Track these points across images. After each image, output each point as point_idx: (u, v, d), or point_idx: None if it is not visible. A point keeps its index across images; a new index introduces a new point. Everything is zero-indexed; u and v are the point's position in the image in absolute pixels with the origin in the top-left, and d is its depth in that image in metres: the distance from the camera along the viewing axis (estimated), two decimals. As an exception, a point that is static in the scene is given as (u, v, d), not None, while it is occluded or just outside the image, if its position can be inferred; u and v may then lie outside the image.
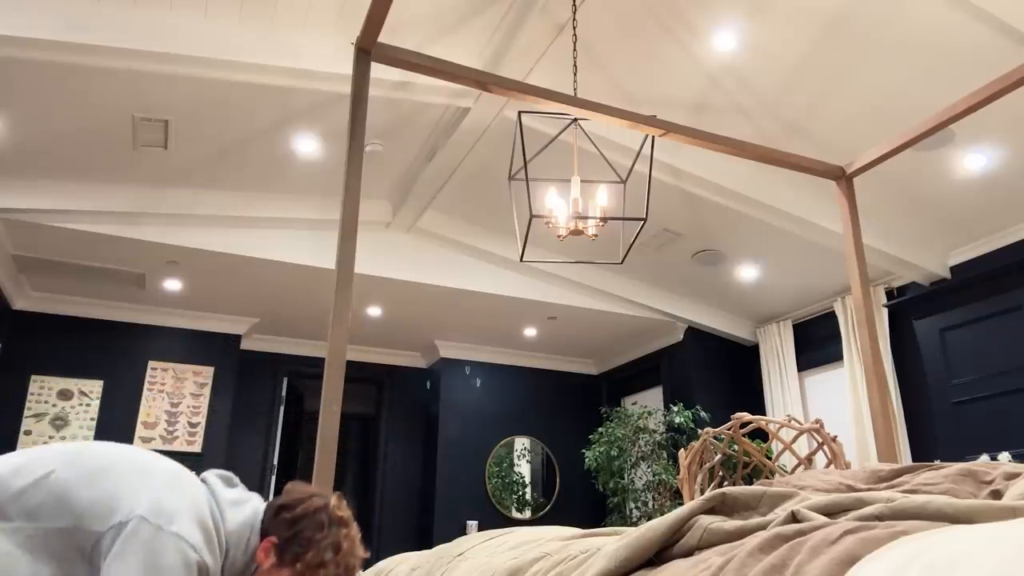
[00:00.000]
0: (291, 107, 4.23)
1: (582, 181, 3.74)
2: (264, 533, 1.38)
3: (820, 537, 0.69)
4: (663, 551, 0.89)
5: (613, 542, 0.93)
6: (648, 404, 6.94)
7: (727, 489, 0.97)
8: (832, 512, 0.81)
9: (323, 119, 4.36)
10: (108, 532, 1.23)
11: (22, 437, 5.90)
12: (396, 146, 4.81)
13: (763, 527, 0.82)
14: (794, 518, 0.79)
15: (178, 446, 6.36)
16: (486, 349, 7.68)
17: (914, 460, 5.20)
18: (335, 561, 1.35)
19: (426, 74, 2.46)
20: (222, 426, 6.52)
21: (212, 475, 1.47)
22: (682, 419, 6.20)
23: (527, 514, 7.34)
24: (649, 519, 5.79)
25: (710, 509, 0.93)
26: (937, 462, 1.55)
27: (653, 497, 6.22)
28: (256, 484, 6.81)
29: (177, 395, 6.46)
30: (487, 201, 5.39)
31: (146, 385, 6.38)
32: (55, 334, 6.19)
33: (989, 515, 0.69)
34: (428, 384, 7.78)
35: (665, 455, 6.41)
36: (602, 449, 6.39)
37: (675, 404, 6.52)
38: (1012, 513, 0.68)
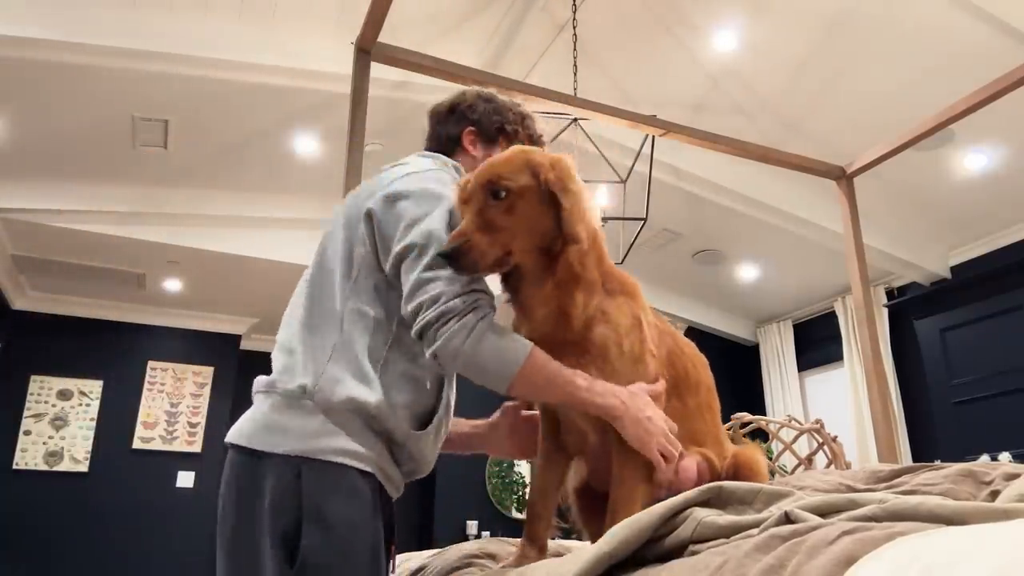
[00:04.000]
0: (291, 107, 4.23)
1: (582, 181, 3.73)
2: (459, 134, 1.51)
3: (818, 537, 0.69)
4: (656, 541, 0.90)
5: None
6: (648, 404, 6.92)
7: (724, 483, 0.98)
8: (825, 512, 0.81)
9: (323, 119, 4.35)
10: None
11: (22, 437, 5.90)
12: (396, 146, 4.79)
13: (757, 524, 0.82)
14: (787, 518, 0.79)
15: (178, 446, 6.36)
16: (486, 349, 7.66)
17: (914, 460, 5.20)
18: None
19: (426, 74, 2.47)
20: (222, 426, 6.51)
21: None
22: (682, 419, 6.19)
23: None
24: (649, 519, 5.76)
25: (705, 501, 0.94)
26: (937, 462, 1.55)
27: (653, 497, 6.22)
28: (256, 484, 6.81)
29: (177, 395, 6.46)
30: (487, 201, 5.37)
31: (146, 385, 6.38)
32: (55, 334, 6.19)
33: (982, 517, 0.69)
34: (428, 384, 7.76)
35: (665, 455, 6.41)
36: (602, 449, 6.38)
37: (675, 404, 6.51)
38: (1005, 515, 0.68)
